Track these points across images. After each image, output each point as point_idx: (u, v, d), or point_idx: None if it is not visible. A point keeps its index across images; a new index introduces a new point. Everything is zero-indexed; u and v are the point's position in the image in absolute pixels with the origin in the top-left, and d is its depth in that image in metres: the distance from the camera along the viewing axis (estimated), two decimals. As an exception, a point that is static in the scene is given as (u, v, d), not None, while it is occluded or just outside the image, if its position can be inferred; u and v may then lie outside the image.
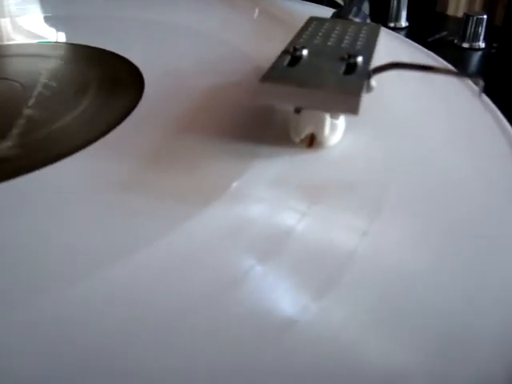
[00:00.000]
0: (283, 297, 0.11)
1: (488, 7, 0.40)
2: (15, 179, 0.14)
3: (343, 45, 0.16)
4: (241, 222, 0.13)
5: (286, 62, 0.15)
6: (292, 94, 0.14)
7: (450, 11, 0.39)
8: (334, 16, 0.20)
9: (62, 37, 0.26)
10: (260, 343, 0.10)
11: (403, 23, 0.35)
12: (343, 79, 0.14)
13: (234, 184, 0.14)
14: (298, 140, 0.16)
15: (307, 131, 0.15)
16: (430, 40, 0.33)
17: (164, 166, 0.15)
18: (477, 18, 0.32)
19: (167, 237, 0.12)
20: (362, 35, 0.17)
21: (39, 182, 0.15)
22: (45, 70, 0.21)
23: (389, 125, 0.17)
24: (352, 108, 0.13)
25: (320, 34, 0.17)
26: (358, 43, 0.17)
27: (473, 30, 0.32)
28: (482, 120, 0.17)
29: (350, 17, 0.19)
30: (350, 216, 0.13)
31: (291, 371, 0.10)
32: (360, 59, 0.15)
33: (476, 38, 0.32)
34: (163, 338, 0.10)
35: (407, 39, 0.25)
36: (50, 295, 0.11)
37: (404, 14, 0.35)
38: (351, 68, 0.15)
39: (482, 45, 0.32)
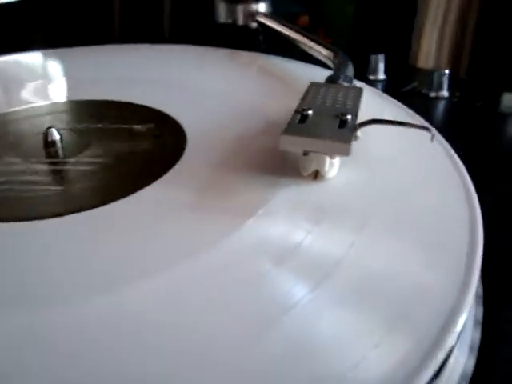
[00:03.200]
0: (287, 288, 0.17)
1: (453, 59, 0.47)
2: (107, 205, 0.20)
3: (337, 105, 0.23)
4: (268, 233, 0.19)
5: (297, 120, 0.21)
6: (305, 142, 0.20)
7: (421, 62, 0.46)
8: (328, 81, 0.26)
9: (108, 96, 0.32)
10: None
11: (381, 76, 0.42)
12: (338, 131, 0.20)
13: (266, 205, 0.20)
14: (306, 174, 0.22)
15: (313, 168, 0.21)
16: (403, 90, 0.40)
17: (215, 195, 0.21)
18: (441, 73, 0.39)
19: (220, 243, 0.18)
20: (349, 97, 0.24)
21: (122, 208, 0.20)
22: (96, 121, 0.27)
23: (371, 163, 0.23)
24: (345, 151, 0.20)
25: (319, 96, 0.24)
26: (347, 103, 0.23)
27: (438, 82, 0.39)
28: (442, 161, 0.24)
29: (340, 82, 0.26)
30: (342, 231, 0.19)
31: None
32: (349, 117, 0.21)
33: (440, 88, 0.39)
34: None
35: (383, 93, 0.32)
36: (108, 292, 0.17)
37: (382, 67, 0.42)
38: (343, 123, 0.21)
39: (446, 94, 0.39)
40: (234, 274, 0.17)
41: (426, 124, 0.20)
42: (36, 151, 0.24)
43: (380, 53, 0.42)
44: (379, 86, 0.41)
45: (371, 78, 0.42)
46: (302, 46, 0.35)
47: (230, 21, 0.41)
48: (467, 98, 0.38)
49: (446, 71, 0.38)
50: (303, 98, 0.23)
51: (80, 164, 0.23)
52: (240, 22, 0.42)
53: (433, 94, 0.39)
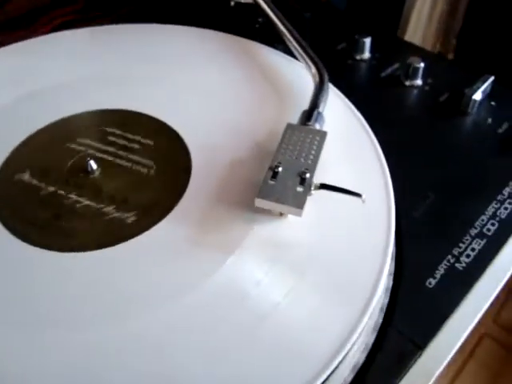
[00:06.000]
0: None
1: (441, 37, 0.51)
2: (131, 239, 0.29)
3: (301, 158, 0.30)
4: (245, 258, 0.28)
5: (270, 177, 0.29)
6: (272, 205, 0.28)
7: (409, 34, 0.50)
8: (302, 117, 0.33)
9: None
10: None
11: (367, 54, 0.47)
12: (296, 195, 0.28)
13: (244, 240, 0.29)
14: (274, 213, 0.30)
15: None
16: (382, 76, 0.45)
17: (207, 232, 0.30)
18: (417, 63, 0.44)
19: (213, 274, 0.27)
20: (314, 145, 0.31)
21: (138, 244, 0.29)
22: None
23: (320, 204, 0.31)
24: (298, 214, 0.28)
25: (291, 144, 0.31)
26: (311, 154, 0.30)
27: (412, 71, 0.44)
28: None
29: (311, 122, 0.32)
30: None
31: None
32: (308, 175, 0.29)
33: (415, 77, 0.45)
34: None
35: (351, 105, 0.38)
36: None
37: (368, 45, 0.47)
38: (303, 181, 0.29)
39: (420, 83, 0.45)
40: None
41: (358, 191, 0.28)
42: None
43: (367, 35, 0.46)
44: (363, 65, 0.47)
45: (357, 57, 0.47)
46: (287, 42, 0.40)
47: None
48: (436, 91, 0.44)
49: (422, 64, 0.44)
50: (278, 148, 0.31)
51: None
52: (243, -1, 0.46)
53: (407, 83, 0.45)
